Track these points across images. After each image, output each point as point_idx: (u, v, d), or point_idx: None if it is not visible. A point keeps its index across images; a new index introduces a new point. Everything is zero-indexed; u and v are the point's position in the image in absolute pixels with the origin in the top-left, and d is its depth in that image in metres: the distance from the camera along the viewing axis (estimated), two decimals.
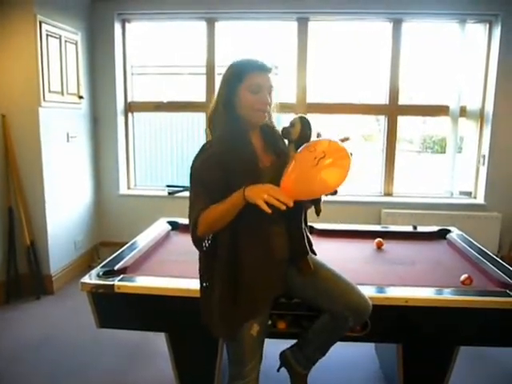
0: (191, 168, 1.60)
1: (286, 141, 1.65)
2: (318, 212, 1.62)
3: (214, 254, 1.61)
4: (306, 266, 1.67)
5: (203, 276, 1.67)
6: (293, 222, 1.66)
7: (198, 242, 1.61)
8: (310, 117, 1.61)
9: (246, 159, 1.57)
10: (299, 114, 1.62)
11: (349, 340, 1.80)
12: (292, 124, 1.59)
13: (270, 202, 1.38)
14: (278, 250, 1.64)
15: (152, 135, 4.57)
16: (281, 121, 1.80)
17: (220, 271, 1.59)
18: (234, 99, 1.59)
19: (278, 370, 1.87)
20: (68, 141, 3.76)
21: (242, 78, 1.57)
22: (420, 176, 5.45)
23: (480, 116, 4.05)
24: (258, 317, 1.61)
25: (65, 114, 3.71)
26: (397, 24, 3.98)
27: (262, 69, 1.58)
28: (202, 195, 1.54)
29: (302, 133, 1.56)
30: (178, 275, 1.92)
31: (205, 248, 1.63)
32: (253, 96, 1.57)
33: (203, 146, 1.62)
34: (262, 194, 1.39)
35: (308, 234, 1.80)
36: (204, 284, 1.67)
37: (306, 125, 1.57)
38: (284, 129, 1.61)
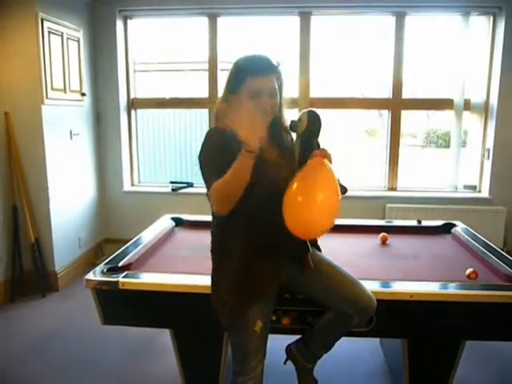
0: (200, 152, 1.56)
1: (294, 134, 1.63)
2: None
3: (227, 233, 1.58)
4: (307, 264, 1.65)
5: (215, 259, 1.65)
6: None
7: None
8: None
9: None
10: (309, 108, 1.57)
11: (354, 335, 1.80)
12: (299, 118, 1.57)
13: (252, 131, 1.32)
14: (286, 237, 1.53)
15: (155, 132, 4.56)
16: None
17: (234, 251, 1.56)
18: (236, 100, 1.56)
19: (285, 363, 1.88)
20: (71, 138, 3.77)
21: (241, 81, 1.52)
22: (424, 170, 5.41)
23: (484, 109, 4.02)
24: (261, 303, 1.58)
25: (68, 112, 3.71)
26: (400, 17, 3.95)
27: (261, 72, 1.51)
28: (216, 174, 1.43)
29: (308, 128, 1.54)
30: (182, 271, 1.92)
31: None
32: (252, 101, 1.51)
33: (209, 131, 1.59)
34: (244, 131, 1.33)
35: None
36: (215, 266, 1.64)
37: (312, 120, 1.54)
38: (292, 122, 1.59)
